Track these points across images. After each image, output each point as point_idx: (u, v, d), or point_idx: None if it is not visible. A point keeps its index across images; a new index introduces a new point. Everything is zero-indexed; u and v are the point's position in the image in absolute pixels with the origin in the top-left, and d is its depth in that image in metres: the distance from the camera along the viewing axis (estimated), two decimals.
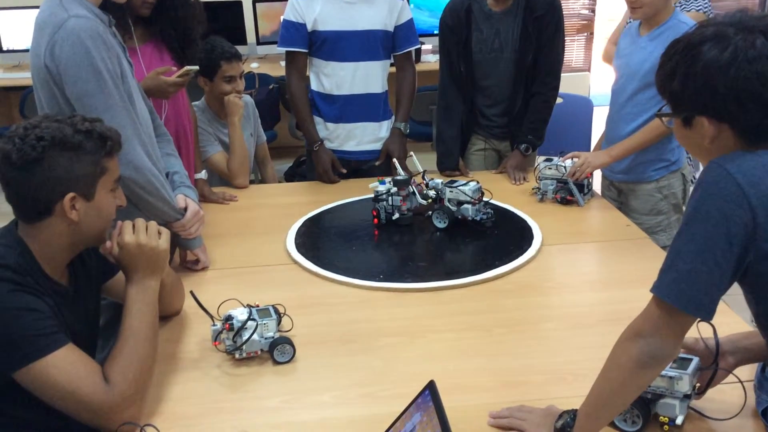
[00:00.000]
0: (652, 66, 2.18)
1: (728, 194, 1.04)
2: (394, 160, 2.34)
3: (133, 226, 1.46)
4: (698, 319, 1.11)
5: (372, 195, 2.24)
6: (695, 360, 1.24)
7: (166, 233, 1.51)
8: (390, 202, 2.20)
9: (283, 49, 2.64)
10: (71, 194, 1.32)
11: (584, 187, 2.36)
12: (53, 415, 1.27)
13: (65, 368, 1.24)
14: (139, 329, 1.38)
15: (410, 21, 2.65)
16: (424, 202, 2.20)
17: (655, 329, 1.09)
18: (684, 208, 2.39)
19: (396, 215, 2.20)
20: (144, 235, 1.45)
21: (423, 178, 2.24)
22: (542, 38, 2.52)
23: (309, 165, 2.85)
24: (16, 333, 1.23)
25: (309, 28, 2.55)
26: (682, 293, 1.05)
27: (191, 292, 1.58)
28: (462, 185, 2.14)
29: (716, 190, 1.05)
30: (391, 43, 2.64)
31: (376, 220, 2.22)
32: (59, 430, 1.33)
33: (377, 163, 2.69)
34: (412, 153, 2.37)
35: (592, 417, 1.17)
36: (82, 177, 1.33)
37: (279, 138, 4.66)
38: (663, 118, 1.19)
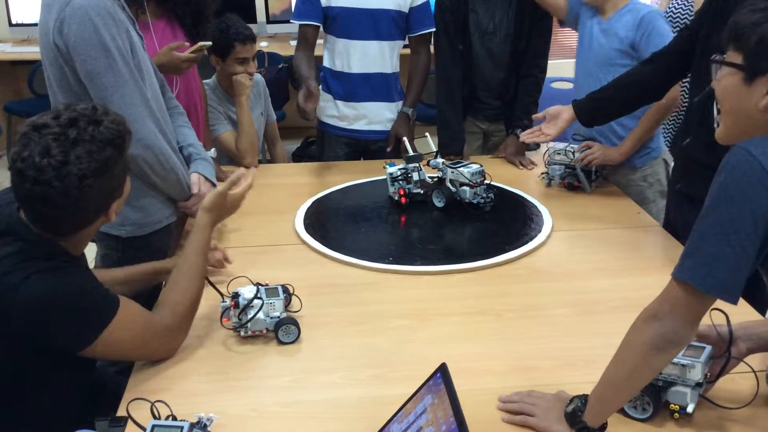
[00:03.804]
0: (616, 50, 2.22)
1: (752, 177, 1.03)
2: (404, 139, 2.33)
3: None
4: (714, 307, 1.10)
5: (384, 176, 2.24)
6: (708, 348, 1.23)
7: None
8: (418, 177, 2.20)
9: (295, 25, 2.59)
10: (115, 203, 1.36)
11: (592, 174, 2.34)
12: (70, 394, 1.30)
13: (127, 326, 1.32)
14: (192, 268, 1.50)
15: (426, 3, 2.62)
16: (430, 180, 2.20)
17: (672, 312, 1.08)
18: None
19: (419, 191, 2.20)
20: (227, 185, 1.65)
21: (436, 157, 2.23)
22: (534, 20, 2.51)
23: (318, 145, 2.84)
24: (76, 315, 1.27)
25: (323, 2, 2.53)
26: (707, 276, 1.04)
27: None
28: (463, 166, 2.13)
29: (740, 173, 1.04)
30: (404, 24, 2.61)
31: (404, 199, 2.19)
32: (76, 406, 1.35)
33: (388, 149, 2.67)
34: (426, 134, 2.35)
35: (604, 401, 1.16)
36: (117, 185, 1.35)
37: (287, 118, 4.64)
38: (716, 68, 1.14)
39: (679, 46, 1.99)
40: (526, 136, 2.28)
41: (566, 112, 2.19)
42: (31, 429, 1.35)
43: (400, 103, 2.72)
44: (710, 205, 1.07)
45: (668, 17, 3.23)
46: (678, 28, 3.10)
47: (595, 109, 2.16)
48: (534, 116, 2.33)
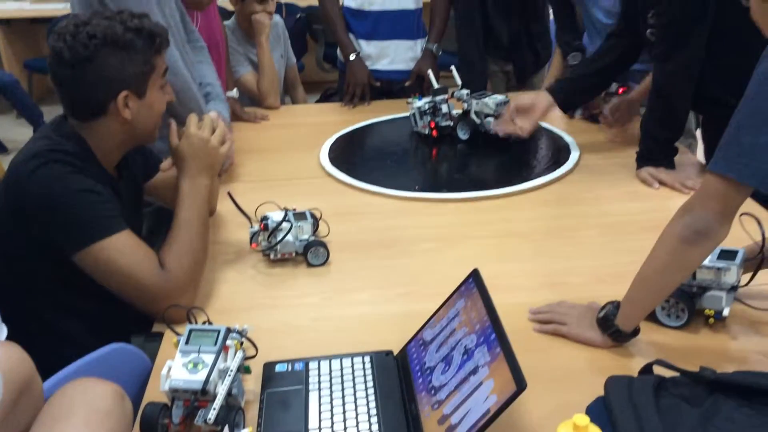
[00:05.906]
0: None
1: None
2: (429, 72, 2.31)
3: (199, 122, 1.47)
4: (744, 212, 1.08)
5: (407, 113, 2.22)
6: (741, 251, 1.22)
7: (228, 140, 1.51)
8: (446, 109, 2.18)
9: None
10: (124, 93, 1.32)
11: None
12: (108, 305, 1.30)
13: (125, 251, 1.27)
14: (191, 222, 1.38)
15: None
16: (456, 113, 2.18)
17: (704, 204, 1.06)
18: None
19: (448, 123, 2.18)
20: (208, 132, 1.46)
21: (461, 89, 2.20)
22: None
23: (339, 86, 2.82)
24: (80, 214, 1.26)
25: None
26: (745, 166, 1.02)
27: (228, 193, 1.58)
28: (487, 97, 2.10)
29: None
30: None
31: (435, 132, 2.17)
32: (112, 319, 1.36)
33: (407, 84, 2.64)
34: (452, 66, 2.31)
35: (636, 302, 1.15)
36: (133, 75, 1.33)
37: (306, 70, 4.60)
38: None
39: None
40: (499, 129, 2.08)
41: (541, 101, 2.06)
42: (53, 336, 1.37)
43: (424, 41, 2.68)
44: (747, 97, 1.04)
45: None
46: None
47: (573, 92, 2.08)
48: (503, 116, 2.12)
